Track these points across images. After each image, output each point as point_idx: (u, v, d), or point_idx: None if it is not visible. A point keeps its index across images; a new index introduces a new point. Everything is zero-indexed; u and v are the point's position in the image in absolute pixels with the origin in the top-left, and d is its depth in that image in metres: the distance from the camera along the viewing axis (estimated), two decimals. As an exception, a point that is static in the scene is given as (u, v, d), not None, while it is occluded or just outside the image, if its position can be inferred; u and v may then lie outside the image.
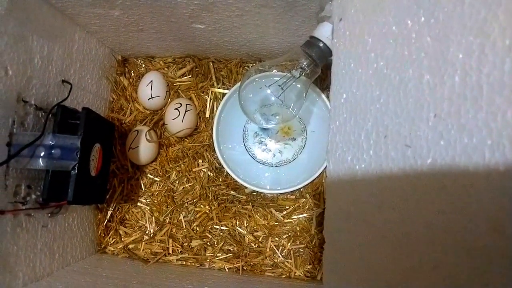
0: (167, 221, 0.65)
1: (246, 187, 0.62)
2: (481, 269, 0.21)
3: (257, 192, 0.63)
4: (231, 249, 0.63)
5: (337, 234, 0.42)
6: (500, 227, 0.20)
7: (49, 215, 0.51)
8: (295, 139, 0.65)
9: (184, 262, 0.63)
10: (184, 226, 0.64)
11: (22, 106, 0.45)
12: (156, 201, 0.66)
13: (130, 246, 0.65)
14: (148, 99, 0.64)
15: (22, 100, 0.45)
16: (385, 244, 0.32)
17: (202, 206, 0.65)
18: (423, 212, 0.26)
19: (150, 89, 0.64)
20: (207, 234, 0.64)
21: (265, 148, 0.65)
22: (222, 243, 0.63)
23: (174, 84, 0.68)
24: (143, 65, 0.70)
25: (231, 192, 0.64)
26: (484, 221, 0.21)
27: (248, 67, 0.68)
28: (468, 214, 0.22)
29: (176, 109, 0.63)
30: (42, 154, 0.45)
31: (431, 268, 0.25)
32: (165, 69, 0.69)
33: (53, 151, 0.45)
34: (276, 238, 0.63)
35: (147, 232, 0.65)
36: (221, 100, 0.64)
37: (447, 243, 0.24)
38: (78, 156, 0.47)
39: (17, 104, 0.44)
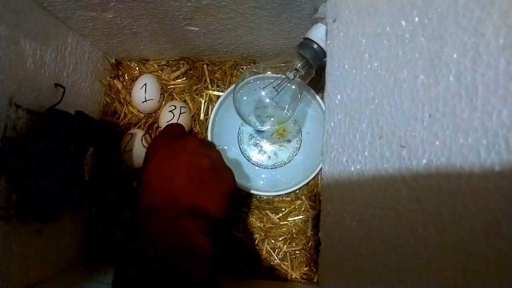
0: (163, 225, 0.64)
1: (242, 190, 0.62)
2: (478, 269, 0.21)
3: (253, 194, 0.63)
4: (227, 253, 0.62)
5: (333, 236, 0.42)
6: (497, 227, 0.20)
7: (43, 220, 0.51)
8: (290, 141, 0.64)
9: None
10: (179, 230, 0.64)
11: (14, 110, 0.44)
12: (151, 205, 0.65)
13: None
14: (142, 102, 0.64)
15: (14, 104, 0.44)
16: (381, 245, 0.31)
17: (197, 209, 0.64)
18: (419, 213, 0.26)
19: (144, 92, 0.64)
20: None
21: (260, 150, 0.65)
22: (217, 247, 0.62)
23: (168, 87, 0.68)
24: (137, 68, 0.69)
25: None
26: (480, 221, 0.21)
27: (243, 69, 0.68)
28: (464, 215, 0.22)
29: (171, 111, 0.63)
30: (35, 158, 0.44)
31: (427, 269, 0.25)
32: (159, 71, 0.69)
33: (45, 155, 0.45)
34: (272, 241, 0.62)
35: (142, 236, 0.65)
36: (215, 103, 0.64)
37: (443, 243, 0.24)
38: (72, 160, 0.47)
39: (9, 108, 0.43)
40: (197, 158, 0.44)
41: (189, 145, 0.45)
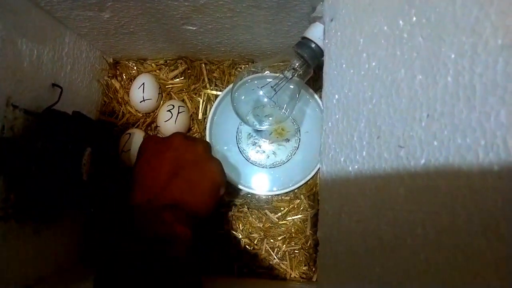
0: (161, 225, 0.64)
1: (241, 189, 0.62)
2: (476, 270, 0.21)
3: (252, 194, 0.63)
4: (226, 253, 0.62)
5: (331, 236, 0.42)
6: (495, 228, 0.20)
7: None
8: (289, 140, 0.64)
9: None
10: (178, 229, 0.64)
11: (12, 111, 0.44)
12: (149, 205, 0.65)
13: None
14: (140, 102, 0.64)
15: (11, 105, 0.44)
16: (379, 245, 0.31)
17: (196, 208, 0.64)
18: (417, 213, 0.26)
19: (142, 91, 0.64)
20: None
21: (259, 149, 0.65)
22: (217, 247, 0.62)
23: (166, 86, 0.67)
24: (135, 68, 0.69)
25: (226, 195, 0.64)
26: (479, 221, 0.21)
27: (241, 68, 0.68)
28: (463, 215, 0.22)
29: (169, 111, 0.63)
30: (33, 159, 0.44)
31: (425, 269, 0.25)
32: (157, 71, 0.69)
33: (43, 156, 0.45)
34: (271, 240, 0.62)
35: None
36: (213, 102, 0.64)
37: (442, 244, 0.24)
38: (70, 160, 0.47)
39: (7, 108, 0.43)
40: (180, 154, 0.47)
41: (174, 142, 0.48)
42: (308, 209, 0.62)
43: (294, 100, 0.53)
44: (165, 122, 0.62)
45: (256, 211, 0.63)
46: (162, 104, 0.66)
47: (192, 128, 0.67)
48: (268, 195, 0.63)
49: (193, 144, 0.48)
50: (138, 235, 0.40)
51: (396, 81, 0.29)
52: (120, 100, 0.68)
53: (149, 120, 0.66)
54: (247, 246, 0.62)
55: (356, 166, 0.36)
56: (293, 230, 0.62)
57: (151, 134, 0.66)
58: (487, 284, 0.20)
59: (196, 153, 0.47)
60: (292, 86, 0.52)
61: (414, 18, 0.27)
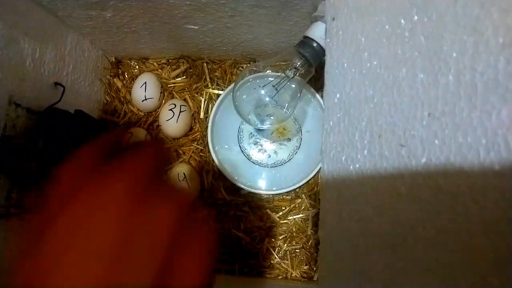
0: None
1: (242, 189, 0.62)
2: (477, 269, 0.21)
3: (253, 193, 0.63)
4: (228, 252, 0.62)
5: (332, 235, 0.42)
6: (496, 227, 0.20)
7: (43, 219, 0.50)
8: (290, 139, 0.64)
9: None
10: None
11: (14, 109, 0.44)
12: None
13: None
14: (142, 101, 0.64)
15: (14, 103, 0.44)
16: (380, 244, 0.31)
17: (197, 208, 0.64)
18: (418, 213, 0.26)
19: (144, 90, 0.64)
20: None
21: (261, 148, 0.65)
22: (218, 247, 0.62)
23: (168, 86, 0.68)
24: (137, 67, 0.69)
25: (227, 194, 0.64)
26: (479, 220, 0.21)
27: (242, 67, 0.68)
28: (464, 214, 0.22)
29: (171, 110, 0.63)
30: (34, 157, 0.44)
31: (426, 268, 0.25)
32: (159, 70, 0.69)
33: (45, 154, 0.45)
34: (272, 239, 0.62)
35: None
36: (215, 101, 0.64)
37: (442, 243, 0.24)
38: (71, 159, 0.47)
39: (9, 107, 0.43)
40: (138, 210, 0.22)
41: (124, 179, 0.23)
42: (309, 209, 0.62)
43: (296, 99, 0.53)
44: (167, 121, 0.62)
45: (257, 210, 0.63)
46: (164, 103, 0.66)
47: (194, 127, 0.67)
48: (269, 194, 0.63)
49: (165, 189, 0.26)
50: None
51: (398, 80, 0.29)
52: (122, 99, 0.68)
53: (151, 119, 0.67)
54: (248, 245, 0.62)
55: (357, 165, 0.36)
56: (294, 230, 0.62)
57: (152, 133, 0.66)
58: (488, 283, 0.20)
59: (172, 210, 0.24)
60: (293, 85, 0.52)
61: (416, 17, 0.27)
